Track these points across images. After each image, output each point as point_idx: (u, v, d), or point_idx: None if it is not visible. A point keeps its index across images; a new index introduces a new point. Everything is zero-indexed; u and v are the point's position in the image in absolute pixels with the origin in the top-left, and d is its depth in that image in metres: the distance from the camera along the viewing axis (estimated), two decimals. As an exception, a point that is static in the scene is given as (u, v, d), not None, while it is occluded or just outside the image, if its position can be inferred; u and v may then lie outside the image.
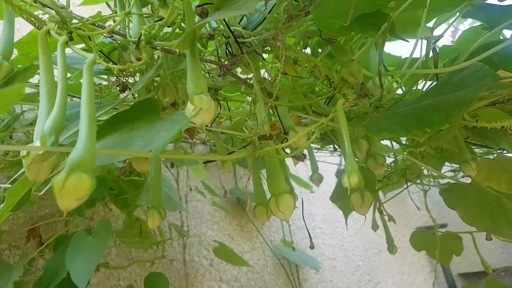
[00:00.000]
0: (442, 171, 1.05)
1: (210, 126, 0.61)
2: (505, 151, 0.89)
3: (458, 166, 0.92)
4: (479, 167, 0.78)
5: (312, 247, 0.67)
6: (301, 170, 2.11)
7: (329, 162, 1.98)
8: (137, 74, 0.58)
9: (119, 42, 0.54)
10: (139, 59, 0.46)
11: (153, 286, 0.91)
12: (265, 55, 0.61)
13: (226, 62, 0.57)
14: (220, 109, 0.60)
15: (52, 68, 0.38)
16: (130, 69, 0.47)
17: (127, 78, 0.50)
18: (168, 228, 1.43)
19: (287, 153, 0.56)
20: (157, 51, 0.51)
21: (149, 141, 0.39)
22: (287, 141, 0.57)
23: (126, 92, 0.54)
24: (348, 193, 0.44)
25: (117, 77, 0.51)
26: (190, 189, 1.60)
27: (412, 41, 0.61)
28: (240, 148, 0.48)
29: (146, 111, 0.46)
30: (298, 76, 0.57)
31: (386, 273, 2.24)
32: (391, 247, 0.98)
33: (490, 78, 0.41)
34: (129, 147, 0.40)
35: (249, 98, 0.79)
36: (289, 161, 1.74)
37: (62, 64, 0.37)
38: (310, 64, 0.54)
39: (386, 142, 1.13)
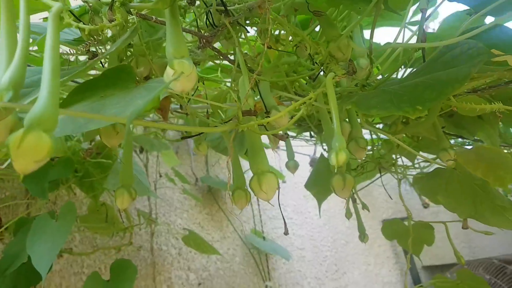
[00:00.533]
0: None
1: (188, 102, 0.58)
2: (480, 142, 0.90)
3: (433, 156, 0.93)
4: (457, 156, 0.78)
5: (286, 233, 0.65)
6: (272, 160, 2.10)
7: (301, 153, 1.98)
8: (109, 43, 0.54)
9: (90, 4, 0.50)
10: (112, 21, 0.42)
11: (120, 273, 0.86)
12: (248, 32, 0.58)
13: (206, 34, 0.53)
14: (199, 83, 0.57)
15: (14, 16, 0.33)
16: (101, 33, 0.43)
17: (97, 43, 0.46)
18: (137, 215, 1.38)
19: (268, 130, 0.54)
20: (132, 16, 0.47)
21: (123, 108, 0.35)
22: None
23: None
24: (335, 170, 0.41)
25: (86, 42, 0.46)
26: (160, 176, 1.55)
27: (396, 29, 0.59)
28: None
29: (119, 77, 0.41)
30: (283, 50, 0.54)
31: (353, 264, 2.27)
32: (363, 236, 0.98)
33: (484, 55, 0.40)
34: (103, 119, 0.36)
35: (229, 84, 0.76)
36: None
37: (25, 17, 0.33)
38: (295, 38, 0.51)
39: (364, 131, 1.12)
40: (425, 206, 2.45)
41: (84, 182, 1.05)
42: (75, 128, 0.35)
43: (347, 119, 0.61)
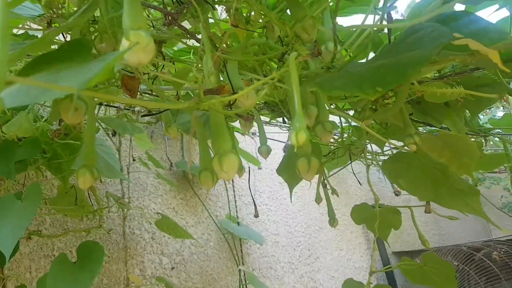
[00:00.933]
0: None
1: (153, 82, 0.57)
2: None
3: (401, 143, 0.95)
4: (422, 142, 0.79)
5: (256, 215, 0.66)
6: (249, 146, 2.10)
7: (277, 140, 1.99)
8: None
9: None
10: (71, -7, 0.40)
11: (87, 255, 0.85)
12: (215, 9, 0.57)
13: (172, 11, 0.52)
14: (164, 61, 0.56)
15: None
16: (61, 5, 0.41)
17: (58, 18, 0.45)
18: (107, 198, 1.37)
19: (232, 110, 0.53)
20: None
21: (78, 81, 0.34)
22: (235, 101, 0.54)
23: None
24: (295, 150, 0.42)
25: (46, 15, 0.45)
26: (133, 160, 1.53)
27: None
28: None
29: (77, 51, 0.40)
30: (250, 30, 0.54)
31: (326, 249, 2.31)
32: (332, 220, 1.00)
33: (446, 38, 0.40)
34: (54, 89, 0.35)
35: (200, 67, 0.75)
36: (238, 135, 1.72)
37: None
38: (264, 19, 0.51)
39: (334, 118, 1.13)
40: (397, 194, 2.50)
41: (53, 163, 1.03)
42: (26, 99, 0.34)
43: (314, 102, 0.62)
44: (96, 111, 1.23)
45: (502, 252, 2.73)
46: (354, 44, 0.56)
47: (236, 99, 0.53)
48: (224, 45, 0.59)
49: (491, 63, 0.44)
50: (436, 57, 0.50)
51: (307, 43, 0.48)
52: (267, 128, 1.33)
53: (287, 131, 1.40)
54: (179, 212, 1.71)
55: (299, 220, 2.27)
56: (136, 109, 1.22)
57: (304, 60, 0.50)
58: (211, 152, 0.55)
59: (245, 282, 1.67)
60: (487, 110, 2.46)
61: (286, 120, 1.15)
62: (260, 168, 2.00)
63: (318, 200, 1.05)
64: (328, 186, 1.06)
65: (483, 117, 1.55)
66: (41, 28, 0.54)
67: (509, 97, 0.53)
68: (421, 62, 0.41)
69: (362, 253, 2.53)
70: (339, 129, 1.09)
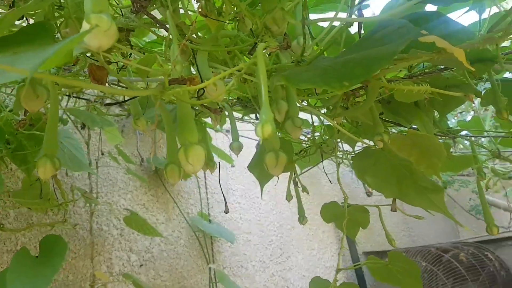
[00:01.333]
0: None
1: (120, 73, 0.55)
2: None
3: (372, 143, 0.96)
4: (392, 141, 0.80)
5: (226, 211, 0.65)
6: (223, 144, 2.09)
7: (251, 138, 1.98)
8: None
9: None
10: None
11: (49, 249, 0.83)
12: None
13: (141, -2, 0.51)
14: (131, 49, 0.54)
15: None
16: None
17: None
18: (77, 193, 1.33)
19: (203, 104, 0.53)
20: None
21: (33, 64, 0.33)
22: (203, 92, 0.53)
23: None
24: (261, 142, 0.41)
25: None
26: (102, 154, 1.50)
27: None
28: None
29: (37, 34, 0.39)
30: (220, 20, 0.53)
31: (297, 248, 2.32)
32: (302, 218, 1.00)
33: (413, 34, 0.41)
34: (10, 72, 0.33)
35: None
36: (212, 133, 1.70)
37: None
38: (234, 10, 0.50)
39: (306, 116, 1.14)
40: (369, 194, 2.55)
41: (17, 155, 0.99)
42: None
43: (284, 97, 0.61)
44: (65, 103, 1.19)
45: (469, 254, 2.80)
46: (324, 39, 0.56)
47: (204, 91, 0.52)
48: (195, 36, 0.58)
49: (457, 62, 0.45)
50: (405, 55, 0.50)
51: (277, 35, 0.48)
52: (241, 126, 1.32)
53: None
54: (150, 208, 1.68)
55: (272, 219, 2.27)
56: (105, 101, 1.19)
57: (274, 53, 0.50)
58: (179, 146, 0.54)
59: (215, 280, 1.66)
60: (458, 114, 2.52)
61: (259, 116, 1.15)
62: (233, 166, 1.99)
63: (288, 197, 1.05)
64: (299, 184, 1.06)
65: (454, 120, 1.60)
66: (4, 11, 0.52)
67: (474, 96, 0.54)
68: (388, 57, 0.41)
69: (333, 252, 2.56)
70: (311, 127, 1.09)
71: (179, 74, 0.42)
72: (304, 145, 1.16)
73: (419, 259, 2.68)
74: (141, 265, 1.56)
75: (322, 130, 1.03)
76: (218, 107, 0.71)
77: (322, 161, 1.08)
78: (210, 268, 1.68)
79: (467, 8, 0.75)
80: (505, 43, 0.84)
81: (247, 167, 1.03)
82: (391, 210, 0.73)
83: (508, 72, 0.94)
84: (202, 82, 0.54)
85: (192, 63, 0.60)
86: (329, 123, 0.87)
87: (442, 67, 0.68)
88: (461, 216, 3.24)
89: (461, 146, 1.49)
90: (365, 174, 0.64)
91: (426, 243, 3.35)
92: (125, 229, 1.56)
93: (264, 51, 0.47)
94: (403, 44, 0.41)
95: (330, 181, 1.11)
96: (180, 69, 0.41)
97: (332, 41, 0.50)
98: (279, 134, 0.87)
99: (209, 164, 0.91)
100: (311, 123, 1.03)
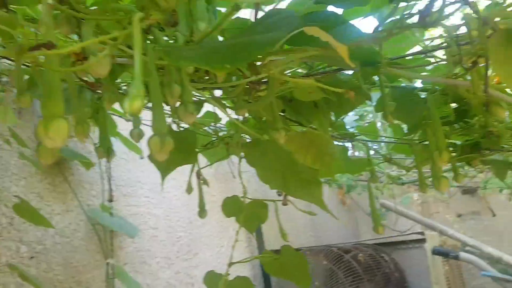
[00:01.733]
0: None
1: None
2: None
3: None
4: (290, 139, 0.82)
5: (110, 200, 0.61)
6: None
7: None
8: None
9: None
10: None
11: None
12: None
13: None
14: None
15: None
16: None
17: None
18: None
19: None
20: None
21: None
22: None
23: None
24: (133, 123, 0.38)
25: None
26: (-8, 135, 1.35)
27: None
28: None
29: None
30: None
31: (206, 245, 2.31)
32: (202, 211, 0.99)
33: (299, 24, 0.42)
34: None
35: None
36: (119, 120, 1.61)
37: None
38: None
39: (217, 111, 1.13)
40: (279, 193, 2.61)
41: None
42: None
43: (178, 81, 0.59)
44: None
45: (367, 255, 2.98)
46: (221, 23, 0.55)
47: (85, 62, 0.48)
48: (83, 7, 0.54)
49: (342, 61, 0.46)
50: (294, 47, 0.51)
51: (165, 10, 0.46)
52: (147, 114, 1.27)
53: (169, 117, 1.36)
54: (45, 197, 1.55)
55: (182, 215, 2.23)
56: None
57: (153, 25, 0.48)
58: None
59: (113, 276, 1.58)
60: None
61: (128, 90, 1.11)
62: (142, 158, 1.91)
63: (188, 190, 1.03)
64: (201, 177, 1.05)
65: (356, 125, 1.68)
66: None
67: (354, 93, 0.57)
68: (271, 43, 0.41)
69: (242, 250, 2.58)
70: (218, 121, 1.08)
71: (46, 38, 0.38)
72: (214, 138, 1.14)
73: (322, 258, 2.80)
74: (32, 257, 1.44)
75: (226, 124, 1.02)
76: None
77: (229, 155, 1.07)
78: (108, 263, 1.60)
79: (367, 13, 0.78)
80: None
81: (147, 156, 0.99)
82: (282, 204, 0.74)
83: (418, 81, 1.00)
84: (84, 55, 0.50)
85: (77, 34, 0.56)
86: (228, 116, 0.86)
87: (337, 67, 0.71)
88: (363, 219, 3.46)
89: (363, 152, 1.58)
90: (255, 164, 0.64)
91: (331, 243, 3.52)
92: (15, 217, 1.42)
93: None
94: (288, 32, 0.42)
95: (233, 175, 1.10)
96: (45, 32, 0.37)
97: (219, 24, 0.49)
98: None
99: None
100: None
